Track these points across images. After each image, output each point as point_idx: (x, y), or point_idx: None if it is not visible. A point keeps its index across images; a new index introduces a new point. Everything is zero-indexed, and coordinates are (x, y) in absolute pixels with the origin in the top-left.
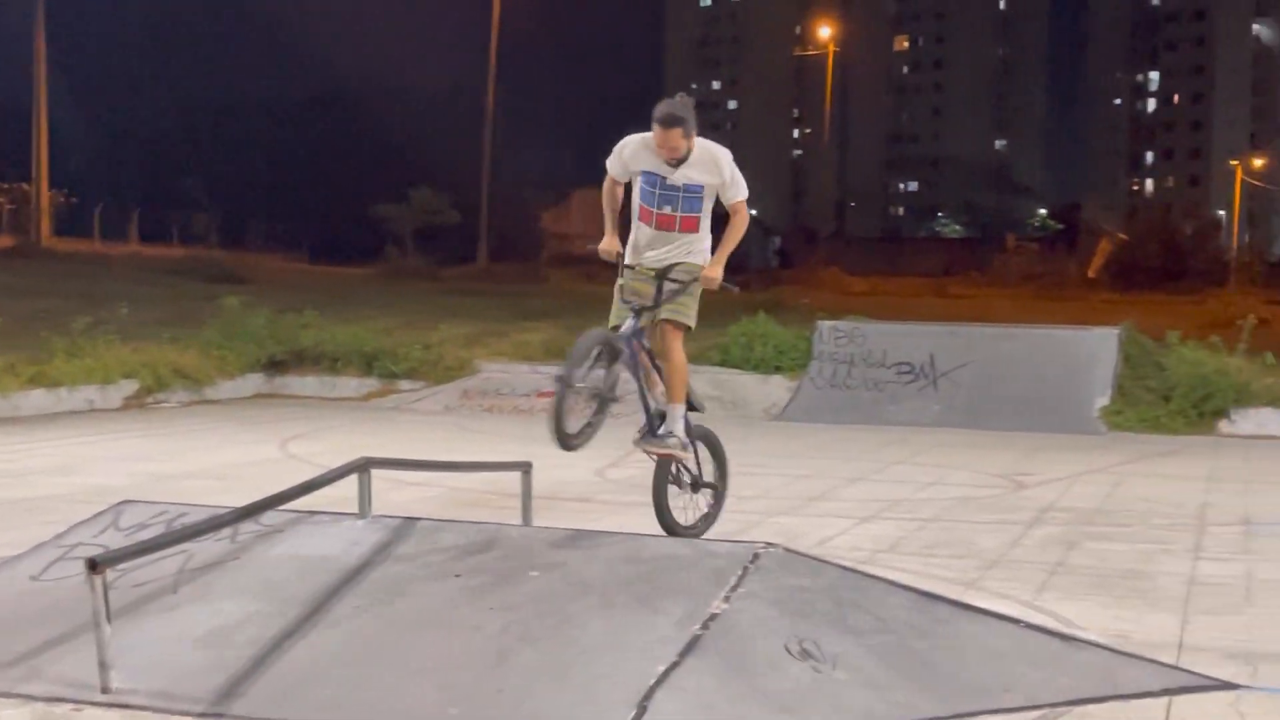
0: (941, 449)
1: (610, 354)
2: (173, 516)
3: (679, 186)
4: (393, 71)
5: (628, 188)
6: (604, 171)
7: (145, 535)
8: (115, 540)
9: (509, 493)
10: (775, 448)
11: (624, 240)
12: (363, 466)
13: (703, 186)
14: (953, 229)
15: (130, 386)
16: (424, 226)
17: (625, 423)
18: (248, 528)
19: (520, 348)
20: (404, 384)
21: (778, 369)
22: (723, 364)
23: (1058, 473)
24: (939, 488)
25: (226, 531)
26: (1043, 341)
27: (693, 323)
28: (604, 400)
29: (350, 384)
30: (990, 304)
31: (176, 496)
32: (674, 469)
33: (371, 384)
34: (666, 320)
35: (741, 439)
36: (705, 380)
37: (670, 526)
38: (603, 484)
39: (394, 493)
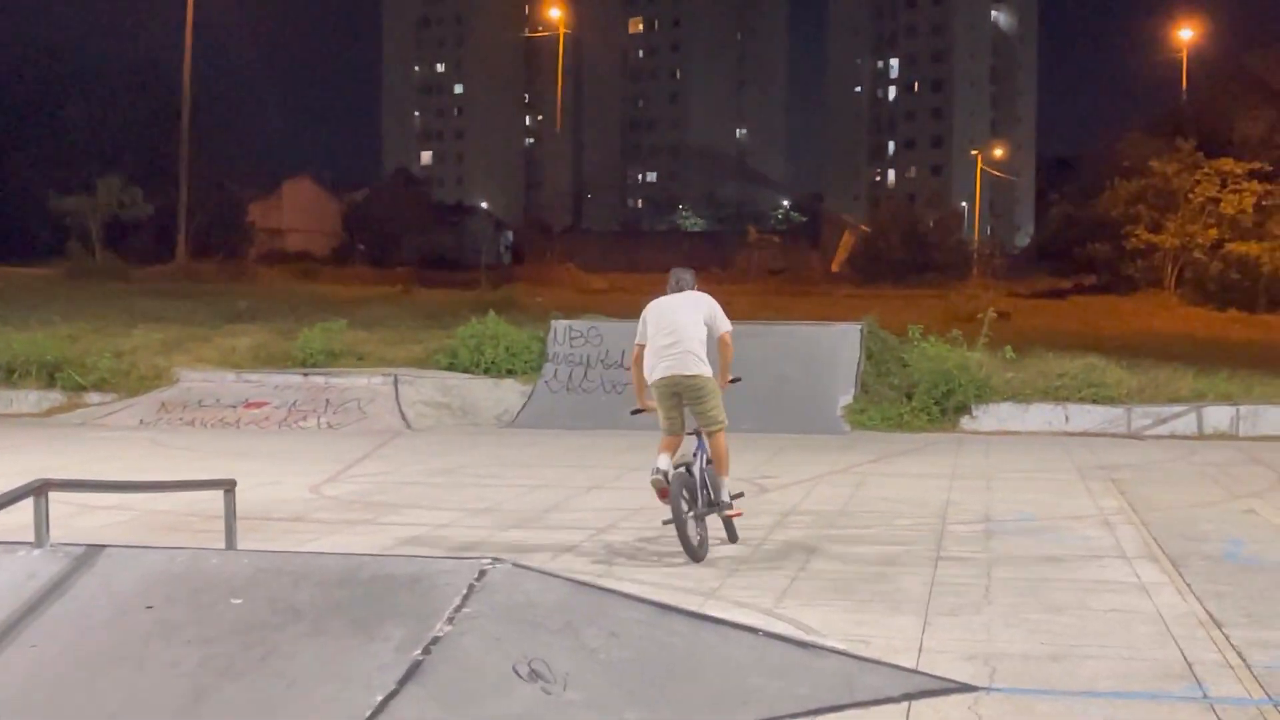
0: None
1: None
2: None
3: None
4: (73, 46)
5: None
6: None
7: None
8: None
9: (213, 514)
10: (508, 457)
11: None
12: (39, 489)
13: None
14: (694, 222)
15: None
16: (113, 221)
17: (339, 435)
18: None
19: (226, 354)
20: (93, 397)
21: (510, 372)
22: (450, 368)
23: (801, 474)
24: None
25: None
26: (784, 338)
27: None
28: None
29: (29, 398)
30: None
31: None
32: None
33: (55, 398)
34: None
35: (471, 448)
36: (431, 386)
37: (694, 553)
38: (318, 501)
39: (80, 518)
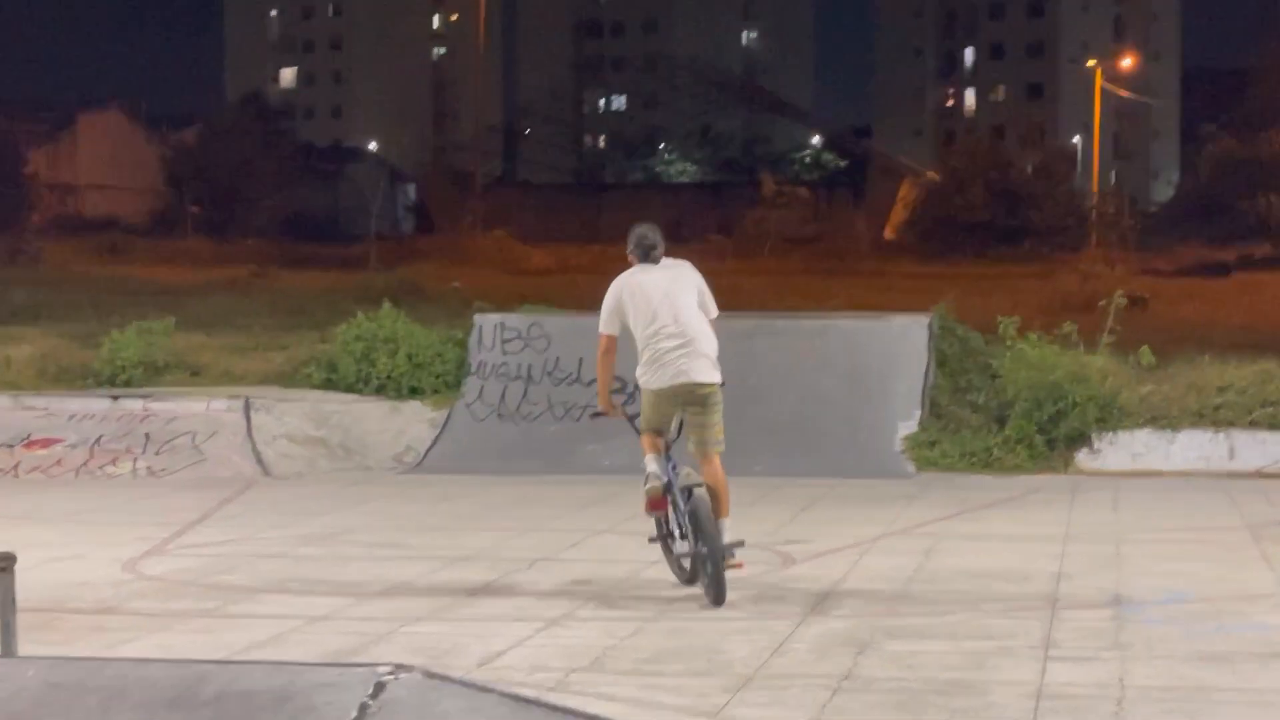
0: None
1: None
2: None
3: None
4: None
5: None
6: None
7: None
8: None
9: None
10: (415, 516)
11: None
12: None
13: None
14: (681, 170)
15: None
16: None
17: (165, 486)
18: None
19: None
20: None
21: (415, 392)
22: (327, 386)
23: (843, 538)
24: (666, 568)
25: None
26: (816, 339)
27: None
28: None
29: None
30: (739, 281)
31: None
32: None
33: None
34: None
35: (359, 503)
36: (299, 414)
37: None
38: (136, 584)
39: None
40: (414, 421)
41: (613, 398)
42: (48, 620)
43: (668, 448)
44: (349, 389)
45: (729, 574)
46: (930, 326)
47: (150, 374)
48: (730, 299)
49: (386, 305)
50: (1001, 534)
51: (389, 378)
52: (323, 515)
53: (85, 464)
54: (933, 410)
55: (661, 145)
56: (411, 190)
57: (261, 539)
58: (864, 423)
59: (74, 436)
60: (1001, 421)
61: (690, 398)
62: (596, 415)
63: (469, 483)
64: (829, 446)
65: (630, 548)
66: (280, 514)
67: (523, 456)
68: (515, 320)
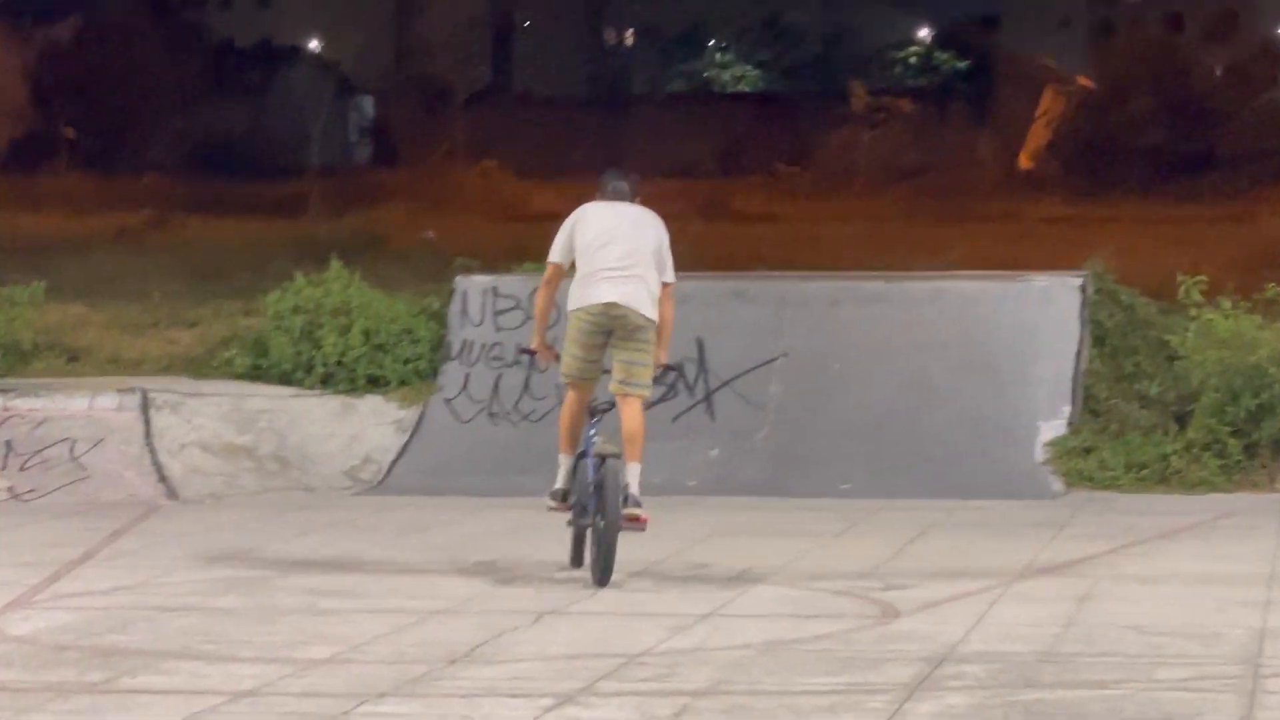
0: (725, 539)
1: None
2: None
3: None
4: None
5: None
6: None
7: None
8: None
9: None
10: (373, 553)
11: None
12: None
13: None
14: (738, 76)
15: None
16: None
17: (33, 513)
18: None
19: None
20: None
21: (374, 382)
22: (255, 376)
23: (963, 581)
24: (723, 622)
25: None
26: (925, 308)
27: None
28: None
29: None
30: (818, 230)
31: None
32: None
33: None
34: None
35: (297, 535)
36: (216, 413)
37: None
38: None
39: None
40: (374, 423)
41: (547, 335)
42: None
43: (593, 416)
44: (284, 379)
45: (626, 535)
46: (1083, 290)
47: (11, 360)
48: (813, 256)
49: (335, 264)
50: (1183, 574)
51: (339, 364)
52: (249, 552)
53: None
54: (1087, 405)
55: (711, 43)
56: (368, 106)
57: (165, 584)
58: (992, 423)
59: None
60: (1182, 421)
61: (622, 327)
62: (525, 351)
63: (448, 506)
64: (943, 456)
65: (669, 598)
66: (191, 551)
67: (521, 470)
68: (512, 284)
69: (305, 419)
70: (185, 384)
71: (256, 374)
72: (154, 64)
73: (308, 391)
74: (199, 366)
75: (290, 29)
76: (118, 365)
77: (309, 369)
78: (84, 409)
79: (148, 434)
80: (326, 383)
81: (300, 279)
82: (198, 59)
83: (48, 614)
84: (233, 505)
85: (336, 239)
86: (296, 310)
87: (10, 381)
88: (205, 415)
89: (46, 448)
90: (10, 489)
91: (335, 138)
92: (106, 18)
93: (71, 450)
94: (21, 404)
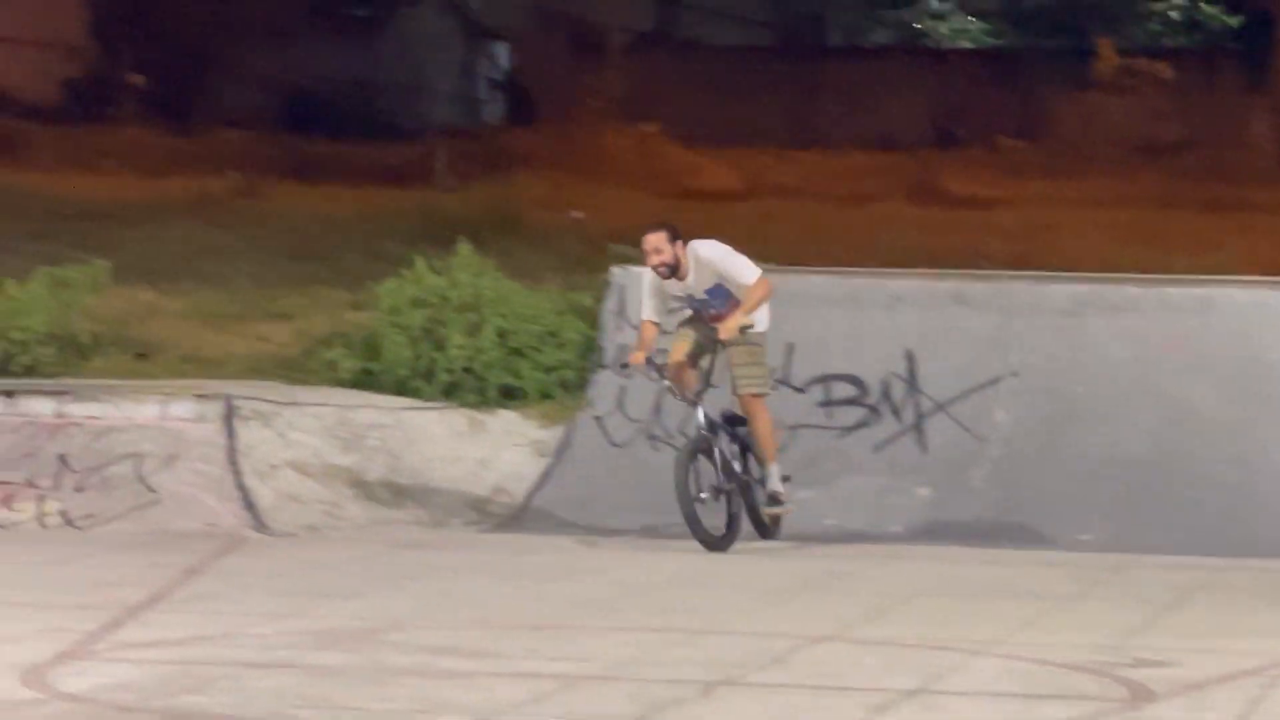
0: (936, 598)
1: (704, 451)
2: None
3: (705, 296)
4: None
5: None
6: None
7: None
8: None
9: None
10: (505, 604)
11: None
12: None
13: (719, 284)
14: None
15: None
16: None
17: (92, 543)
18: None
19: None
20: None
21: (509, 395)
22: (362, 382)
23: (1237, 658)
24: (935, 700)
25: None
26: (1194, 319)
27: (768, 389)
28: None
29: None
30: (1055, 217)
31: None
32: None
33: None
34: (748, 395)
35: (411, 579)
36: (315, 425)
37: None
38: (44, 707)
39: None
40: (508, 445)
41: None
42: None
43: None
44: (399, 388)
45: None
46: None
47: (67, 356)
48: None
49: (464, 247)
50: None
51: (467, 371)
52: (354, 598)
53: None
54: None
55: None
56: (501, 54)
57: (253, 636)
58: (1272, 464)
59: None
60: None
61: None
62: (624, 367)
63: (598, 548)
64: (1210, 503)
65: (868, 669)
66: (283, 594)
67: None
68: None
69: (424, 437)
70: (278, 391)
71: (366, 380)
72: None
73: (428, 404)
74: (295, 370)
75: None
76: (196, 365)
77: (429, 376)
78: (154, 418)
79: (232, 451)
80: (451, 394)
81: (420, 265)
82: None
83: (108, 668)
84: (333, 540)
85: (464, 216)
86: (416, 303)
87: (66, 383)
88: (302, 430)
89: (108, 465)
90: (64, 513)
91: (462, 91)
92: None
93: (139, 468)
94: (79, 410)
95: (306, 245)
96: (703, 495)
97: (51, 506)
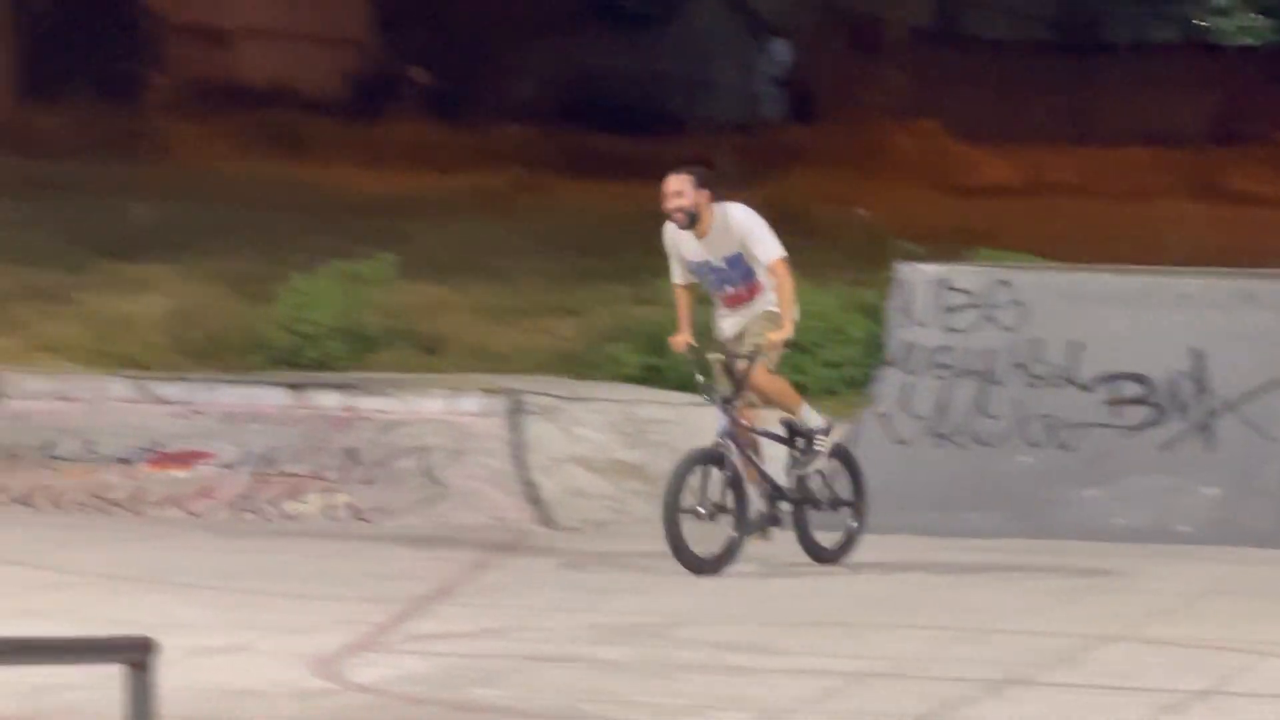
0: (1227, 597)
1: (715, 460)
2: None
3: (722, 266)
4: None
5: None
6: None
7: None
8: None
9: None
10: (791, 600)
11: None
12: None
13: (739, 254)
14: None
15: None
16: None
17: (378, 539)
18: None
19: (102, 335)
20: None
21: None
22: (645, 378)
23: None
24: (1226, 702)
25: None
26: None
27: (773, 365)
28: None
29: None
30: None
31: None
32: (815, 485)
33: None
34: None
35: (696, 575)
36: (600, 421)
37: (817, 554)
38: (337, 699)
39: None
40: None
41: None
42: None
43: None
44: (684, 384)
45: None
46: None
47: (355, 349)
48: None
49: None
50: None
51: None
52: (638, 593)
53: (248, 495)
54: None
55: None
56: (781, 51)
57: (539, 630)
58: None
59: (230, 450)
60: None
61: None
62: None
63: (883, 546)
64: None
65: (1157, 668)
66: (568, 589)
67: (973, 505)
68: (967, 276)
69: (709, 433)
70: (564, 385)
71: (650, 376)
72: None
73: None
74: (579, 364)
75: None
76: (482, 360)
77: (711, 374)
78: (441, 412)
79: (518, 446)
80: None
81: None
82: None
83: (397, 659)
84: (619, 535)
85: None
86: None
87: (354, 376)
88: (588, 425)
89: (395, 458)
90: (350, 506)
91: (742, 89)
92: None
93: (425, 462)
94: (367, 404)
95: (589, 241)
96: (700, 509)
97: (339, 499)
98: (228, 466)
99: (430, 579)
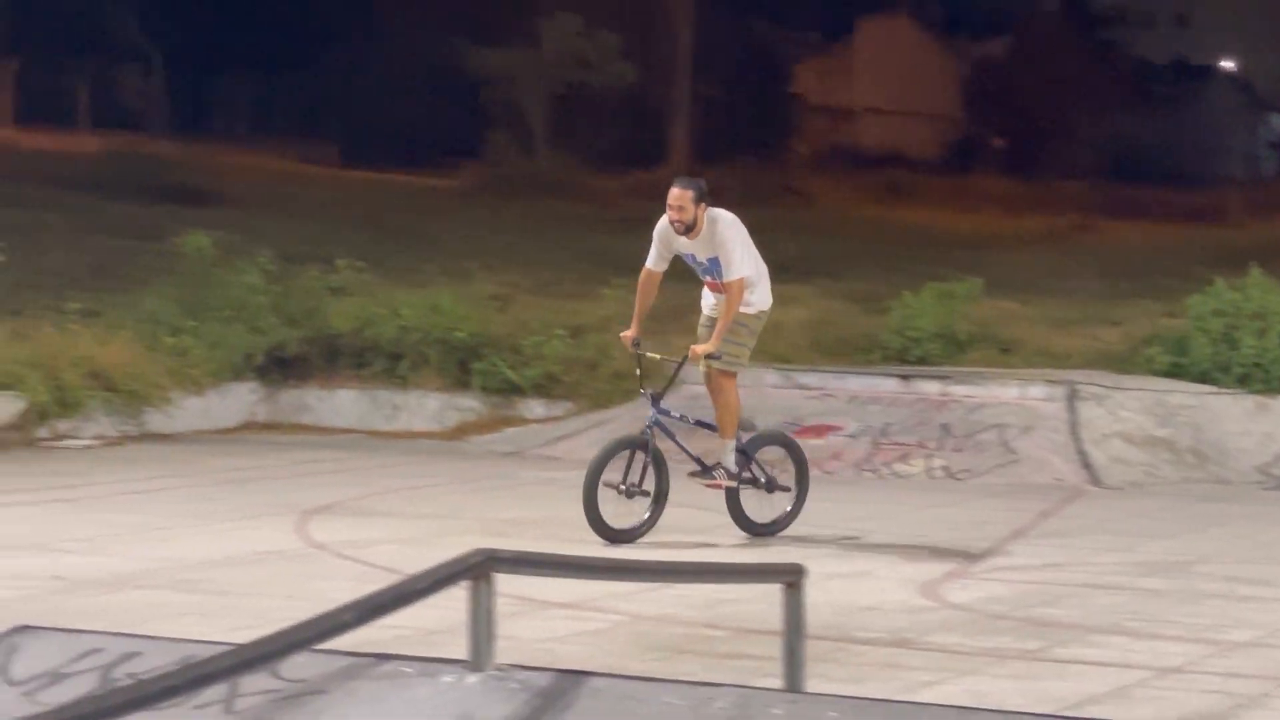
0: None
1: (640, 446)
2: (113, 659)
3: (704, 262)
4: None
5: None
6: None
7: (63, 694)
8: (8, 701)
9: (745, 626)
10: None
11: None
12: (478, 568)
13: (717, 258)
14: None
15: (7, 406)
16: (567, 94)
17: (965, 490)
18: (256, 684)
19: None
20: (532, 406)
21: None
22: (1172, 372)
23: None
24: None
25: (217, 692)
26: None
27: (741, 366)
28: (651, 494)
29: (427, 405)
30: None
31: (115, 620)
32: (751, 473)
33: (469, 405)
34: (718, 370)
35: (1213, 525)
36: (1138, 406)
37: (746, 526)
38: (936, 613)
39: (525, 620)
40: None
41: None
42: (831, 650)
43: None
44: (1202, 377)
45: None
46: None
47: (949, 349)
48: None
49: (1256, 271)
50: None
51: (1256, 365)
52: (1168, 538)
53: (868, 459)
54: None
55: None
56: (1276, 121)
57: (1092, 565)
58: None
59: (854, 424)
60: None
61: None
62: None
63: None
64: None
65: None
66: (1114, 533)
67: None
68: None
69: (1222, 416)
70: (1108, 378)
71: (1176, 371)
72: (1075, 78)
73: (1223, 390)
74: (1121, 362)
75: (1207, 48)
76: (1046, 358)
77: (1226, 369)
78: (1014, 397)
79: (1073, 423)
80: (1243, 382)
81: (1219, 283)
82: (1117, 74)
83: (983, 585)
84: (1151, 494)
85: (1254, 246)
86: (1216, 313)
87: (948, 369)
88: (1128, 408)
89: (980, 432)
90: (946, 468)
91: (1246, 149)
92: (1033, 35)
93: (1002, 435)
94: (958, 390)
95: (1128, 268)
96: (621, 486)
97: (937, 463)
98: (853, 437)
99: (1007, 524)
